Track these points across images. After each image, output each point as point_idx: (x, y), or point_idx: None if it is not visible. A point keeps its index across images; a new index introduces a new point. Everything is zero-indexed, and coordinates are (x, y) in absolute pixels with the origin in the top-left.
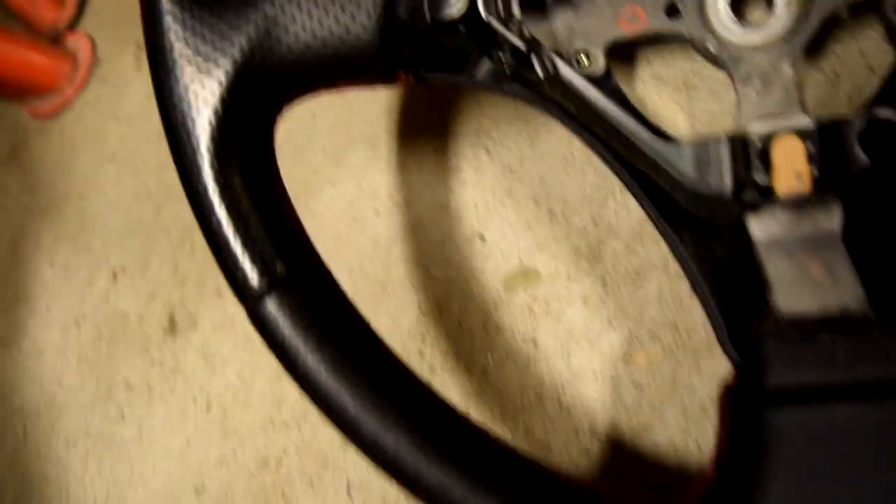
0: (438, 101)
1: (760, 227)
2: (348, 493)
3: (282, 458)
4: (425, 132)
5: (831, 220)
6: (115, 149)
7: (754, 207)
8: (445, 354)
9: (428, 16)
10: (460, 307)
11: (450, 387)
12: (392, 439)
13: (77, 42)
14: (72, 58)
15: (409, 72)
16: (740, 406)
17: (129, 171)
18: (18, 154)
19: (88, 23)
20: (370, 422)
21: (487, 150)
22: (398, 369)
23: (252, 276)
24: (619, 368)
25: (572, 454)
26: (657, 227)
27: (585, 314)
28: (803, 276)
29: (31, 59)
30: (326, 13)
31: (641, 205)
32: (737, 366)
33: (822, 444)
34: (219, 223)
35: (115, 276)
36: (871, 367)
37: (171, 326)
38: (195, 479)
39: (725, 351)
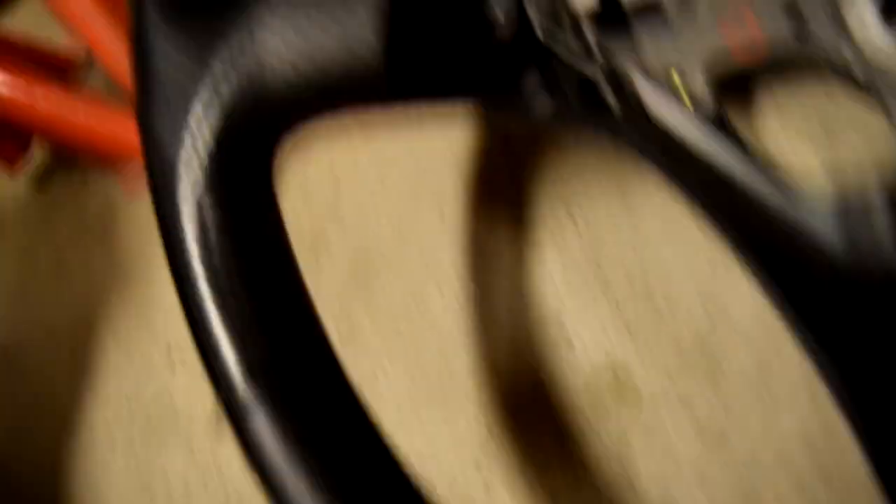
0: (517, 152)
1: None
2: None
3: None
4: (501, 193)
5: None
6: None
7: None
8: (507, 469)
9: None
10: (532, 414)
11: None
12: None
13: None
14: None
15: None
16: None
17: None
18: (108, 229)
19: None
20: None
21: (574, 220)
22: None
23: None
24: None
25: None
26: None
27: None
28: None
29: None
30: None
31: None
32: None
33: None
34: None
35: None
36: None
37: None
38: None
39: None
